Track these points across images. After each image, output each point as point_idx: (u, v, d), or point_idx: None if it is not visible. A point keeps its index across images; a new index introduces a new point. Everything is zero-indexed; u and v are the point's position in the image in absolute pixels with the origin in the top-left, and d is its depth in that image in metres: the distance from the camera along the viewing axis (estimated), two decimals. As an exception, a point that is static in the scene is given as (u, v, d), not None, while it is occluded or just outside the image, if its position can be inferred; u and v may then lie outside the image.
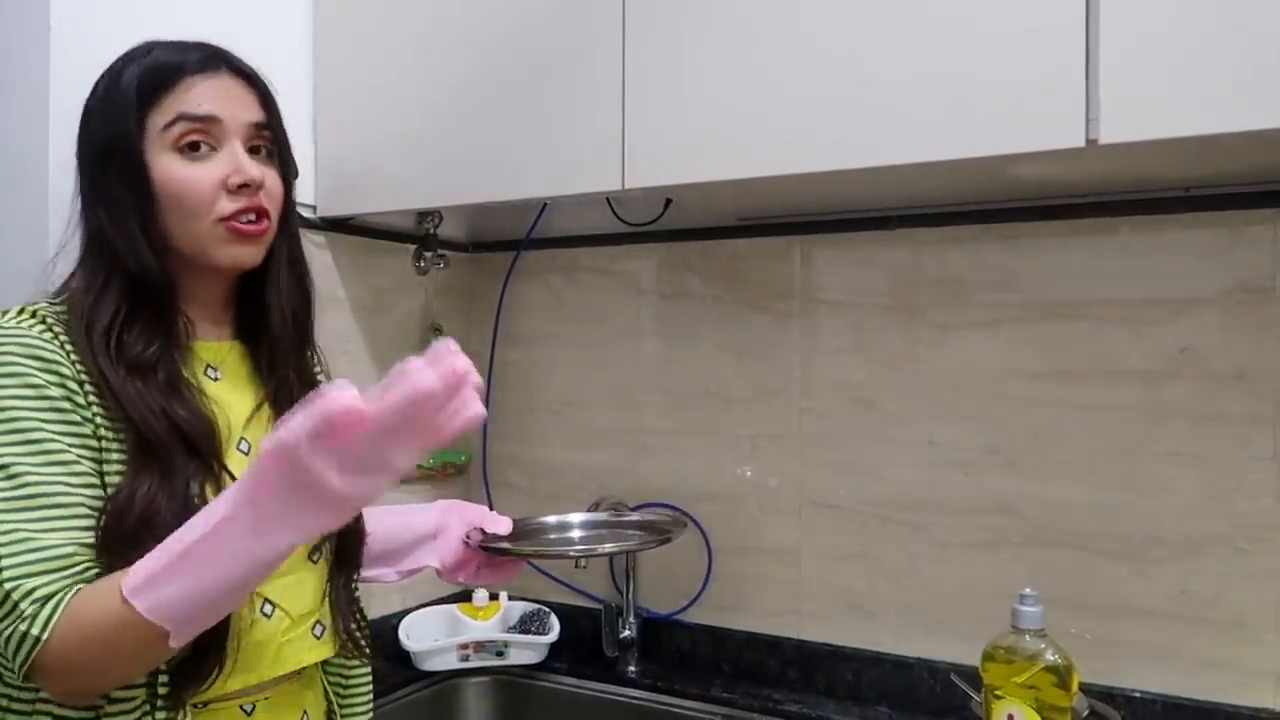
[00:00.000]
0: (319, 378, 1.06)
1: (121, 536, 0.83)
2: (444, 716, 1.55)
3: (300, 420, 0.71)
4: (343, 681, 1.07)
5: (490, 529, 1.16)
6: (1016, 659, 1.03)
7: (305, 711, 1.00)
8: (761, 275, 1.53)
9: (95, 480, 0.84)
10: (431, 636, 1.59)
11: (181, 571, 0.76)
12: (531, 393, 1.74)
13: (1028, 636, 1.03)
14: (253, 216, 0.94)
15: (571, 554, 1.27)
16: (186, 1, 1.30)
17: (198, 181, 0.92)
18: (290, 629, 0.94)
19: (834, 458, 1.47)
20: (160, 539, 0.80)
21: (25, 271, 1.17)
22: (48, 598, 0.79)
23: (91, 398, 0.87)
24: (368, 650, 1.05)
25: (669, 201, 1.55)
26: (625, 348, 1.65)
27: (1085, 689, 1.12)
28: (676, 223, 1.57)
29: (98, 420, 0.86)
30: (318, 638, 0.98)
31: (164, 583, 0.75)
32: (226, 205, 0.92)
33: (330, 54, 1.46)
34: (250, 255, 0.95)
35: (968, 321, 1.37)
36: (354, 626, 1.02)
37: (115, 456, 0.87)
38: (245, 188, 0.93)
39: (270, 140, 0.97)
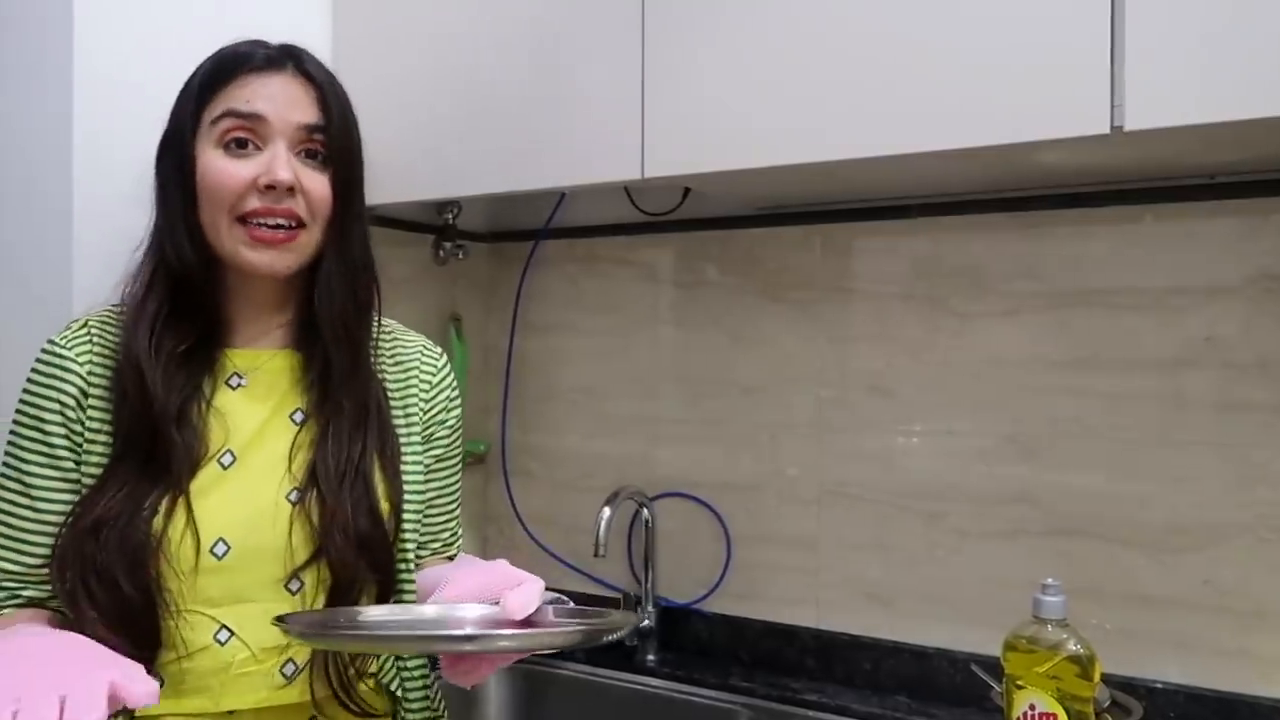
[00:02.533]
0: (376, 396, 0.99)
1: (75, 535, 0.86)
2: (463, 705, 1.56)
3: None
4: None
5: (508, 604, 0.81)
6: (1038, 648, 1.02)
7: None
8: (780, 264, 1.52)
9: (59, 514, 0.89)
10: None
11: None
12: (550, 382, 1.74)
13: (1050, 626, 1.03)
14: (280, 221, 0.91)
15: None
16: (208, 4, 1.31)
17: (231, 177, 0.90)
18: (249, 662, 0.89)
19: (853, 447, 1.46)
20: (106, 547, 0.84)
21: (48, 274, 1.19)
22: None
23: (94, 403, 0.91)
24: (356, 709, 0.93)
25: (687, 191, 1.54)
26: (643, 337, 1.65)
27: (1106, 679, 1.11)
28: (695, 212, 1.57)
29: (91, 428, 0.90)
30: (286, 677, 0.90)
31: None
32: (250, 204, 0.90)
33: (348, 45, 1.46)
34: (269, 261, 0.92)
35: (988, 310, 1.37)
36: (344, 677, 0.92)
37: (96, 457, 0.90)
38: (271, 189, 0.90)
39: (324, 145, 0.94)
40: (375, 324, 1.01)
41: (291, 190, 0.91)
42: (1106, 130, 0.95)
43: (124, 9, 1.22)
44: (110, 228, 1.18)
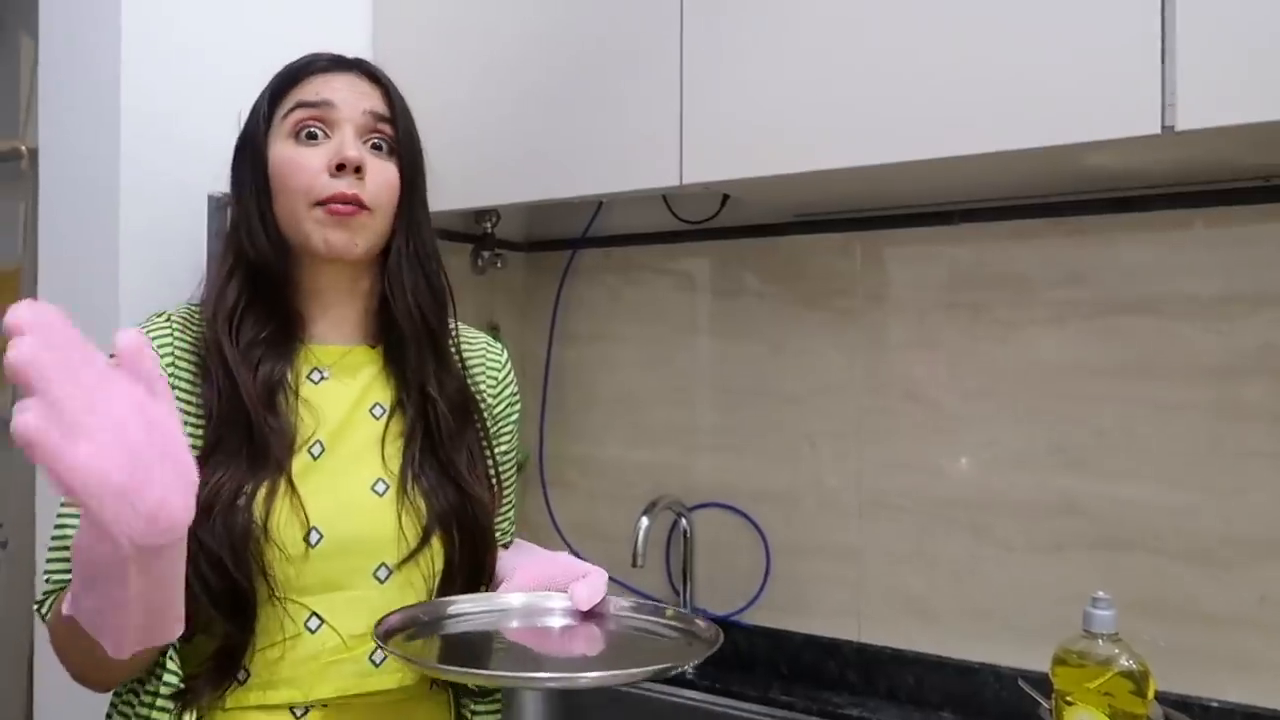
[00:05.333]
0: (462, 386, 1.02)
1: None
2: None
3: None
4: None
5: (575, 595, 0.91)
6: (1089, 663, 0.99)
7: None
8: (820, 272, 1.50)
9: None
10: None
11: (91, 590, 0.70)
12: (588, 391, 1.74)
13: (1101, 640, 1.00)
14: (349, 195, 0.94)
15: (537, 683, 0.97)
16: (252, 12, 1.33)
17: (303, 163, 0.94)
18: (340, 650, 0.90)
19: (894, 456, 1.44)
20: (213, 531, 0.84)
21: (95, 274, 1.20)
22: (52, 591, 0.87)
23: (178, 394, 0.91)
24: (449, 690, 0.97)
25: (725, 198, 1.53)
26: (682, 346, 1.64)
27: (1159, 697, 1.08)
28: (733, 220, 1.56)
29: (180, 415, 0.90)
30: (376, 665, 0.92)
31: (82, 596, 0.71)
32: (326, 187, 0.93)
33: (389, 56, 1.47)
34: (342, 240, 0.94)
35: (1033, 318, 1.34)
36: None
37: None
38: (342, 169, 0.93)
39: (391, 137, 0.98)
40: (452, 315, 1.04)
41: (359, 172, 0.94)
42: (1157, 130, 0.93)
43: (169, 42, 1.25)
44: (154, 257, 1.22)
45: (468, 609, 0.92)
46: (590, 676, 0.81)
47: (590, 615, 0.91)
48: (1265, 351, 1.20)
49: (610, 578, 1.65)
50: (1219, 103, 0.91)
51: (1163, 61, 0.92)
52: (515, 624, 0.91)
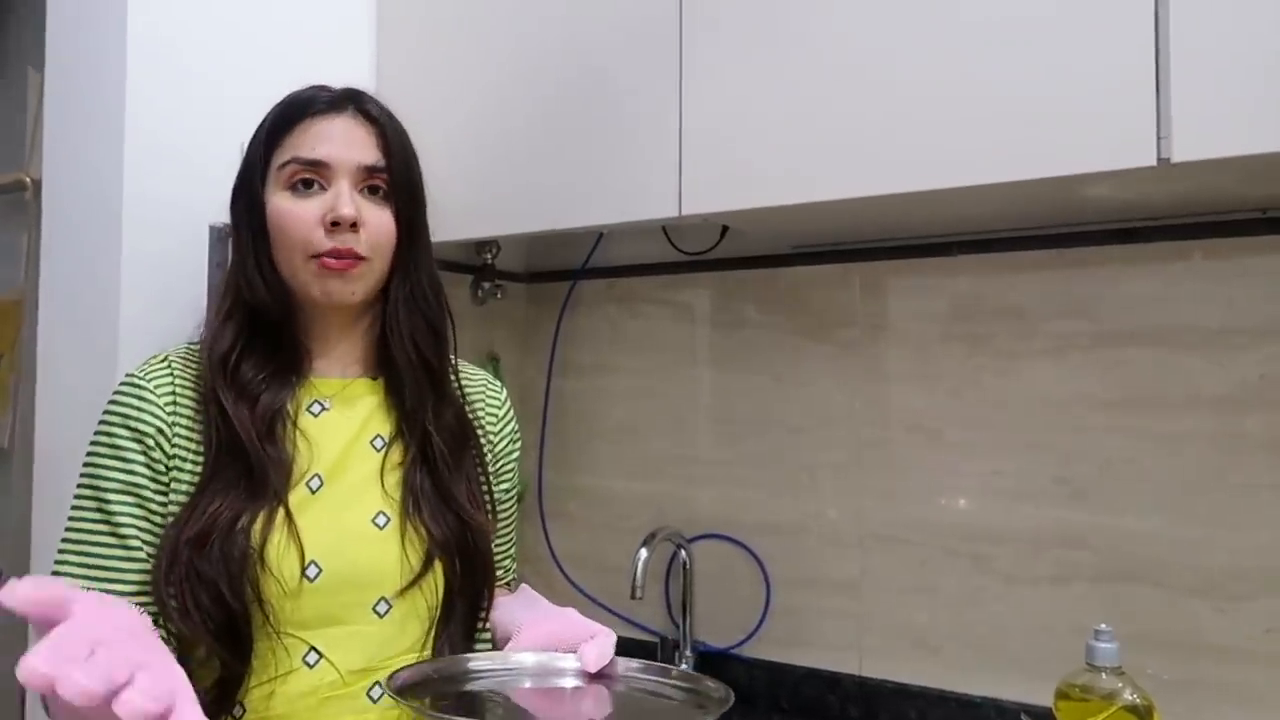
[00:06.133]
0: (463, 422, 1.03)
1: (178, 548, 0.86)
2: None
3: None
4: None
5: (585, 657, 0.89)
6: (1092, 697, 0.98)
7: None
8: (820, 303, 1.51)
9: (144, 545, 0.90)
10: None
11: None
12: (588, 423, 1.73)
13: (1104, 674, 0.99)
14: (343, 251, 0.94)
15: None
16: (256, 44, 1.34)
17: (299, 217, 0.94)
18: (337, 685, 0.90)
19: (896, 488, 1.43)
20: (210, 558, 0.85)
21: (96, 304, 1.21)
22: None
23: (179, 433, 0.92)
24: None
25: (725, 230, 1.54)
26: (682, 377, 1.64)
27: (1165, 732, 1.07)
28: (733, 251, 1.56)
29: (179, 456, 0.91)
30: (373, 700, 0.91)
31: None
32: (322, 243, 0.94)
33: (389, 88, 1.48)
34: (338, 290, 0.95)
35: (1034, 349, 1.34)
36: None
37: (185, 484, 0.91)
38: (336, 226, 0.94)
39: (385, 182, 0.98)
40: (452, 351, 1.05)
41: (355, 227, 0.95)
42: (1153, 162, 0.93)
43: (174, 66, 1.26)
44: (156, 287, 1.22)
45: (481, 666, 0.91)
46: None
47: (598, 676, 0.89)
48: (1266, 383, 1.19)
49: (608, 609, 1.66)
50: (1214, 135, 0.91)
51: (1158, 94, 0.93)
52: (527, 684, 0.90)
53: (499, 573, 1.09)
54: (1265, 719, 1.17)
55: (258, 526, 0.88)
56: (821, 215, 1.25)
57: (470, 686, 0.89)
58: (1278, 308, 1.19)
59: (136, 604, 0.87)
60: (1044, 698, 1.05)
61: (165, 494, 0.91)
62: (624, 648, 1.64)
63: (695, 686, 0.90)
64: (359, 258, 0.95)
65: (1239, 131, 0.90)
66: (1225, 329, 1.22)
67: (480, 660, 0.92)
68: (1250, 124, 0.90)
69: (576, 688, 0.90)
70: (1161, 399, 1.25)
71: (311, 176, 0.95)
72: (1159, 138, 0.93)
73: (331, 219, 0.93)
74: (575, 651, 0.91)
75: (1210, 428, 1.22)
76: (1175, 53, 0.92)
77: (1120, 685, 0.98)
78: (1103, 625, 1.02)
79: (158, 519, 0.90)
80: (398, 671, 0.85)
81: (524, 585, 1.14)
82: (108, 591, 0.89)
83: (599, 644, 0.90)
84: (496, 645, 1.03)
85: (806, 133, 1.13)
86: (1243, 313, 1.21)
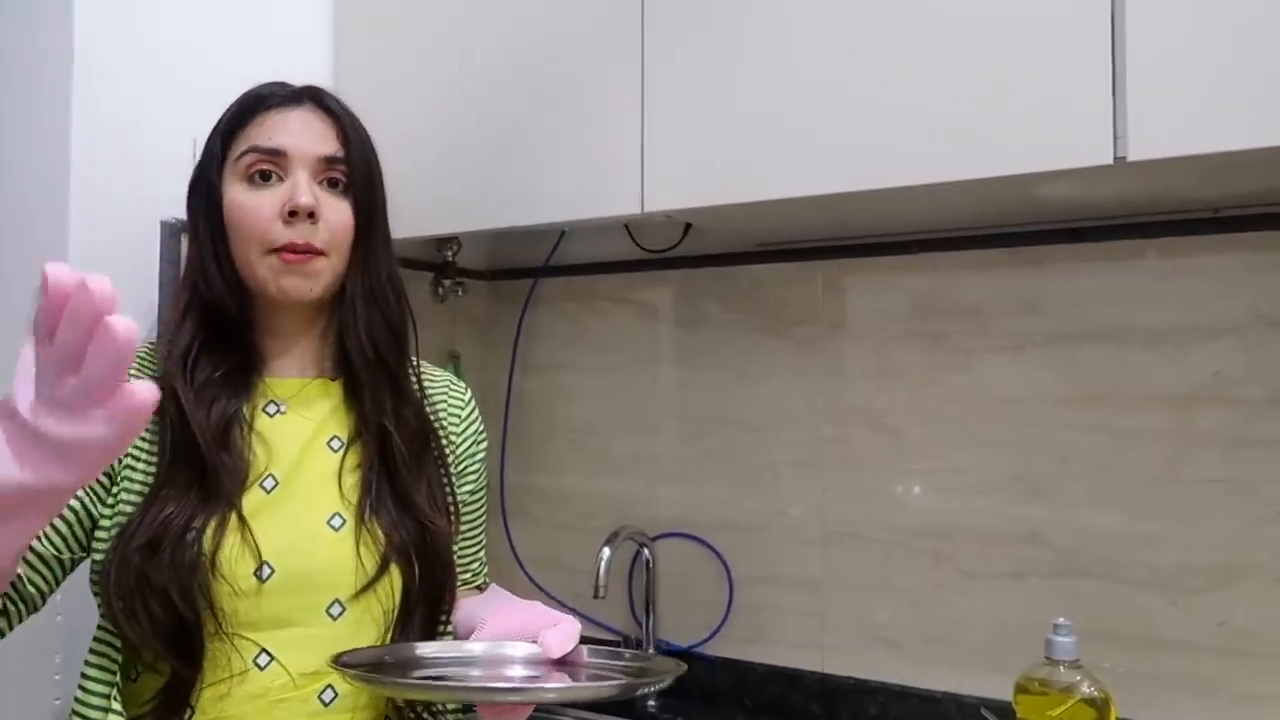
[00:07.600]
0: (422, 421, 1.01)
1: (128, 554, 0.84)
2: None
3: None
4: None
5: (546, 643, 0.86)
6: (1051, 691, 0.99)
7: None
8: (782, 301, 1.51)
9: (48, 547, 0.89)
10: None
11: None
12: (550, 421, 1.72)
13: (1062, 668, 1.00)
14: (300, 245, 0.93)
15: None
16: (210, 33, 1.31)
17: (256, 208, 0.93)
18: (288, 688, 0.88)
19: (856, 485, 1.44)
20: (160, 565, 0.83)
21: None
22: None
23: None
24: None
25: (688, 227, 1.54)
26: (644, 375, 1.63)
27: (1121, 724, 1.08)
28: (695, 249, 1.56)
29: (130, 465, 0.90)
30: (325, 704, 0.90)
31: None
32: (280, 235, 0.92)
33: (348, 82, 1.46)
34: (296, 286, 0.94)
35: (992, 346, 1.35)
36: (401, 706, 0.94)
37: (136, 487, 0.89)
38: (294, 216, 0.92)
39: (344, 174, 0.96)
40: (413, 350, 1.03)
41: (313, 216, 0.93)
42: (1109, 161, 0.94)
43: (124, 54, 1.23)
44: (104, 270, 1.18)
45: (430, 653, 0.90)
46: (553, 688, 0.80)
47: (560, 663, 0.87)
48: (1219, 380, 1.21)
49: (572, 609, 1.65)
50: (1170, 134, 0.92)
51: (1114, 93, 0.94)
52: (477, 672, 0.87)
53: (467, 575, 1.08)
54: (1218, 710, 1.19)
55: (209, 533, 0.86)
56: (783, 213, 1.25)
57: (420, 673, 0.87)
58: (1230, 305, 1.21)
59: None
60: (1004, 692, 1.06)
61: (111, 492, 0.89)
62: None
63: (648, 664, 0.91)
64: (317, 252, 0.94)
65: (1195, 130, 0.91)
66: (1179, 327, 1.24)
67: (427, 648, 0.91)
68: (1206, 123, 0.91)
69: (531, 676, 0.87)
70: (1117, 396, 1.27)
71: (269, 167, 0.94)
72: (1115, 136, 0.94)
73: (289, 208, 0.92)
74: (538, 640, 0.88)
75: (1165, 424, 1.24)
76: (1131, 51, 0.93)
77: (1078, 678, 0.99)
78: (1061, 620, 1.03)
79: (83, 526, 0.89)
80: (343, 654, 0.83)
81: (493, 585, 1.13)
82: None
83: (562, 630, 0.87)
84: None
85: (767, 131, 1.13)
86: (1196, 311, 1.23)
